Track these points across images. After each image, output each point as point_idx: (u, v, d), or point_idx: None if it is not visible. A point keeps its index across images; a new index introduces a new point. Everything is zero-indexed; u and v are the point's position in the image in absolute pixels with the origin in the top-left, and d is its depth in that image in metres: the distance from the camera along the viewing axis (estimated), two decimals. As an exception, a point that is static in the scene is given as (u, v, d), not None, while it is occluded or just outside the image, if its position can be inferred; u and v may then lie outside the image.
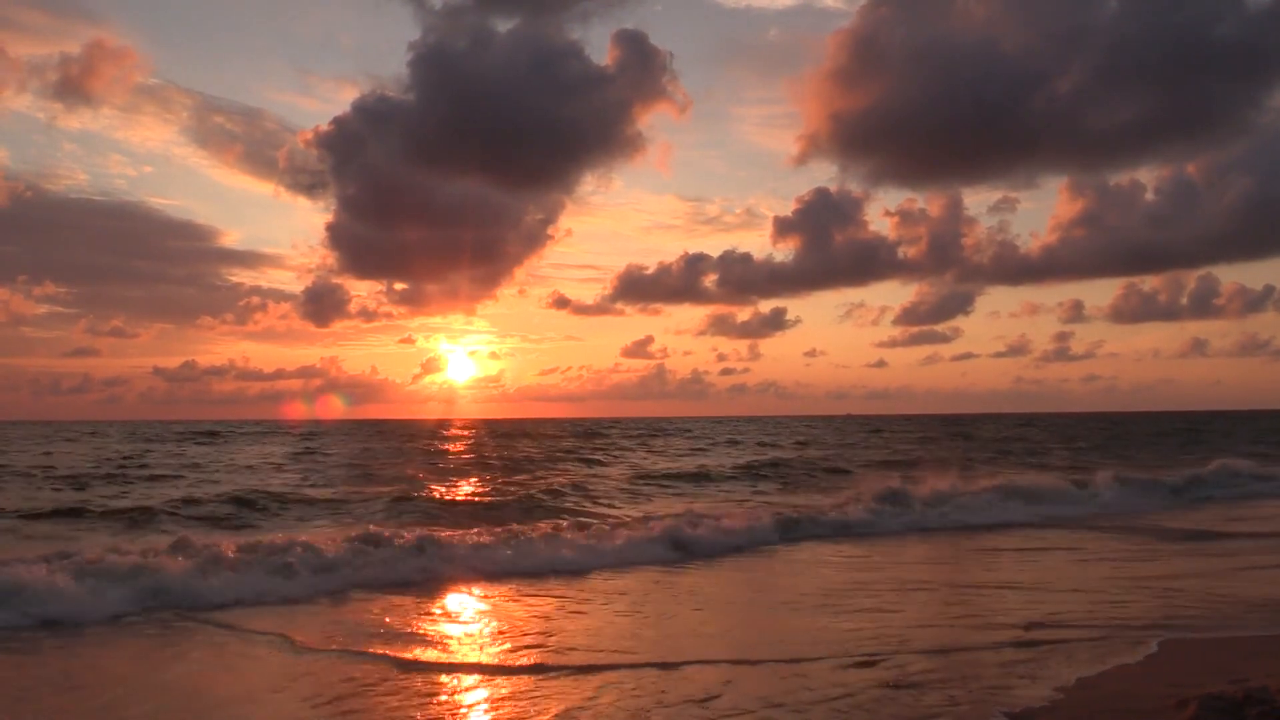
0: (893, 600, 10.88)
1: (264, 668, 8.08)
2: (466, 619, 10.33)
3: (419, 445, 55.06)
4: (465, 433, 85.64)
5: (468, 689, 7.39)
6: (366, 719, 6.62)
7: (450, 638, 9.26)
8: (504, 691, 7.24)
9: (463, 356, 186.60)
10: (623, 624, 9.74)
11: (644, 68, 77.58)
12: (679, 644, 8.78)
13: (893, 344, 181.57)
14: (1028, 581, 12.08)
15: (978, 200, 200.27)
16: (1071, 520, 19.66)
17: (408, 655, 8.38)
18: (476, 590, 11.93)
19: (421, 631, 9.51)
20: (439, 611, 10.72)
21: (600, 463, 37.59)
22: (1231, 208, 78.01)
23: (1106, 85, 66.69)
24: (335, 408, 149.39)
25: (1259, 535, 16.77)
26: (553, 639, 8.96)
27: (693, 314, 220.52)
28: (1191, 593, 10.94)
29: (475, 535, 14.82)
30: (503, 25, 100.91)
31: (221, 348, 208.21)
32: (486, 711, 6.79)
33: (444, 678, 7.70)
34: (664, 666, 7.81)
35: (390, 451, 47.29)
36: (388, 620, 9.96)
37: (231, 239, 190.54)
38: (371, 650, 8.54)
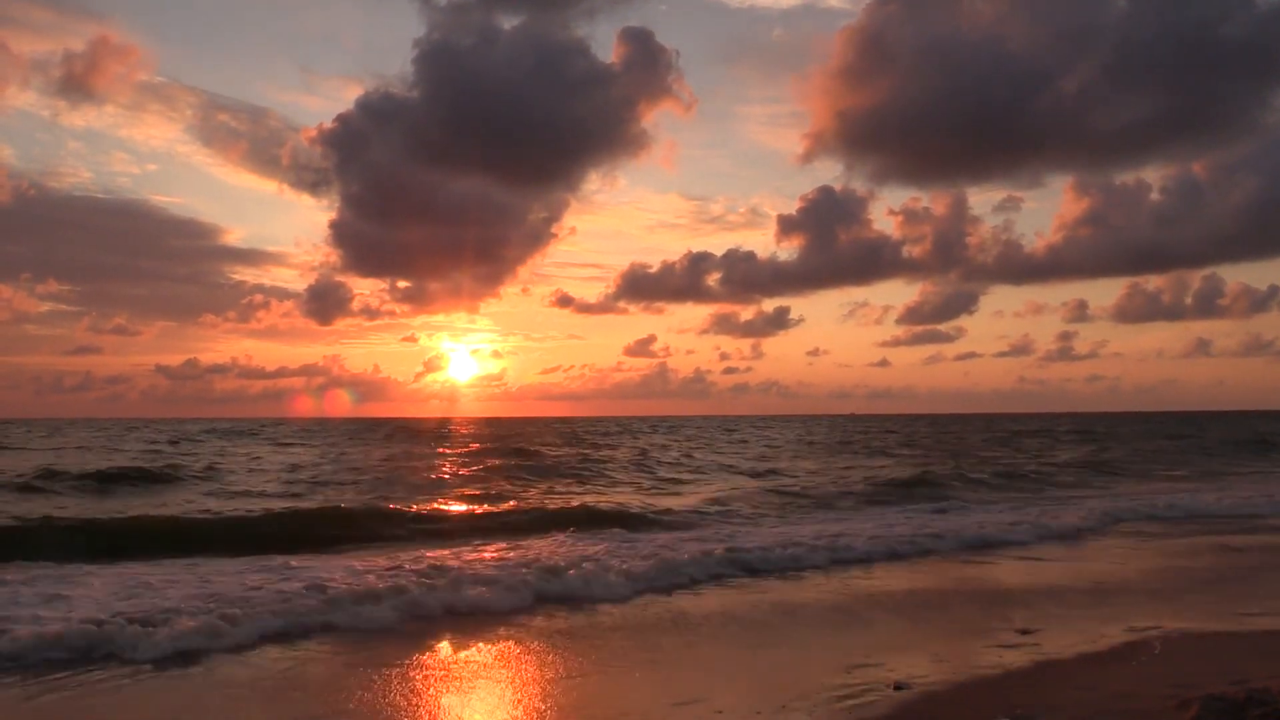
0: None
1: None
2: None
3: (478, 447, 47.24)
4: (509, 432, 77.27)
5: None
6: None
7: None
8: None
9: (465, 355, 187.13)
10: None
11: (649, 66, 77.57)
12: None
13: (896, 343, 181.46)
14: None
15: (982, 199, 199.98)
16: None
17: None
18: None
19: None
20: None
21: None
22: (1237, 207, 77.77)
23: (1113, 84, 66.57)
24: (338, 405, 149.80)
25: None
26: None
27: (696, 313, 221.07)
28: None
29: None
30: (508, 22, 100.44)
31: (224, 346, 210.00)
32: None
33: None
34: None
35: (464, 456, 39.71)
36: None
37: (235, 237, 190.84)
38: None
